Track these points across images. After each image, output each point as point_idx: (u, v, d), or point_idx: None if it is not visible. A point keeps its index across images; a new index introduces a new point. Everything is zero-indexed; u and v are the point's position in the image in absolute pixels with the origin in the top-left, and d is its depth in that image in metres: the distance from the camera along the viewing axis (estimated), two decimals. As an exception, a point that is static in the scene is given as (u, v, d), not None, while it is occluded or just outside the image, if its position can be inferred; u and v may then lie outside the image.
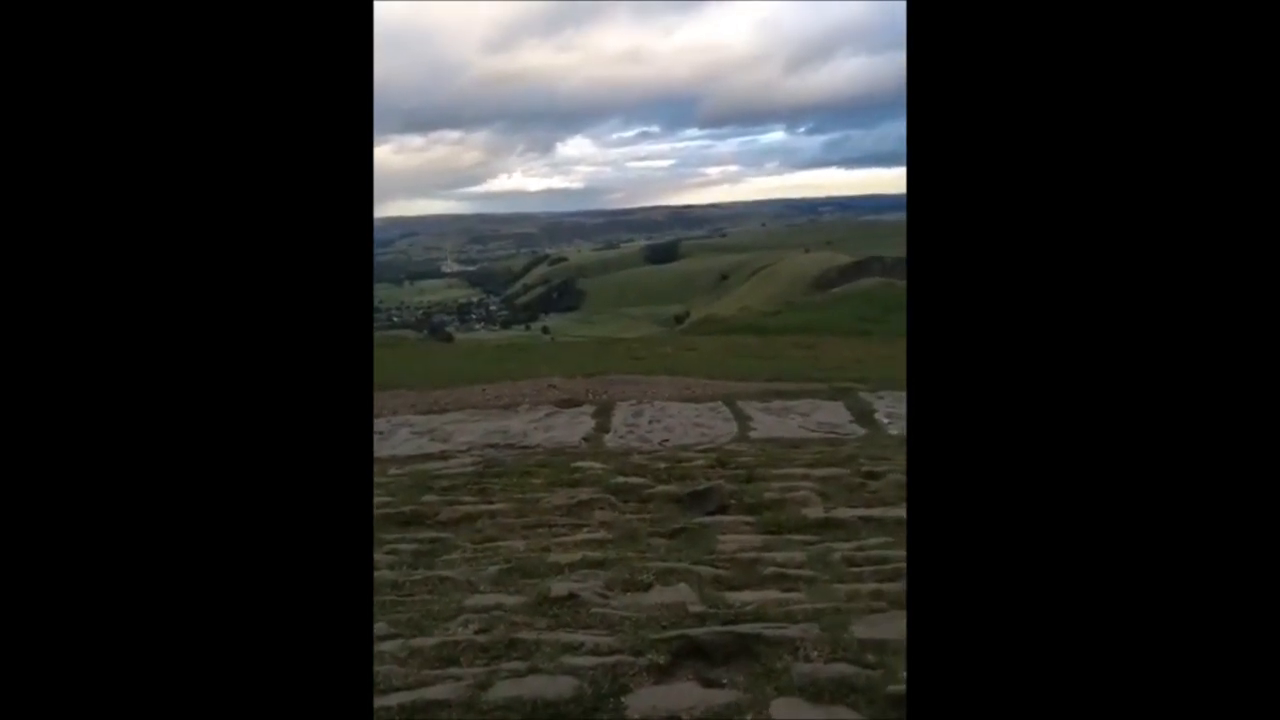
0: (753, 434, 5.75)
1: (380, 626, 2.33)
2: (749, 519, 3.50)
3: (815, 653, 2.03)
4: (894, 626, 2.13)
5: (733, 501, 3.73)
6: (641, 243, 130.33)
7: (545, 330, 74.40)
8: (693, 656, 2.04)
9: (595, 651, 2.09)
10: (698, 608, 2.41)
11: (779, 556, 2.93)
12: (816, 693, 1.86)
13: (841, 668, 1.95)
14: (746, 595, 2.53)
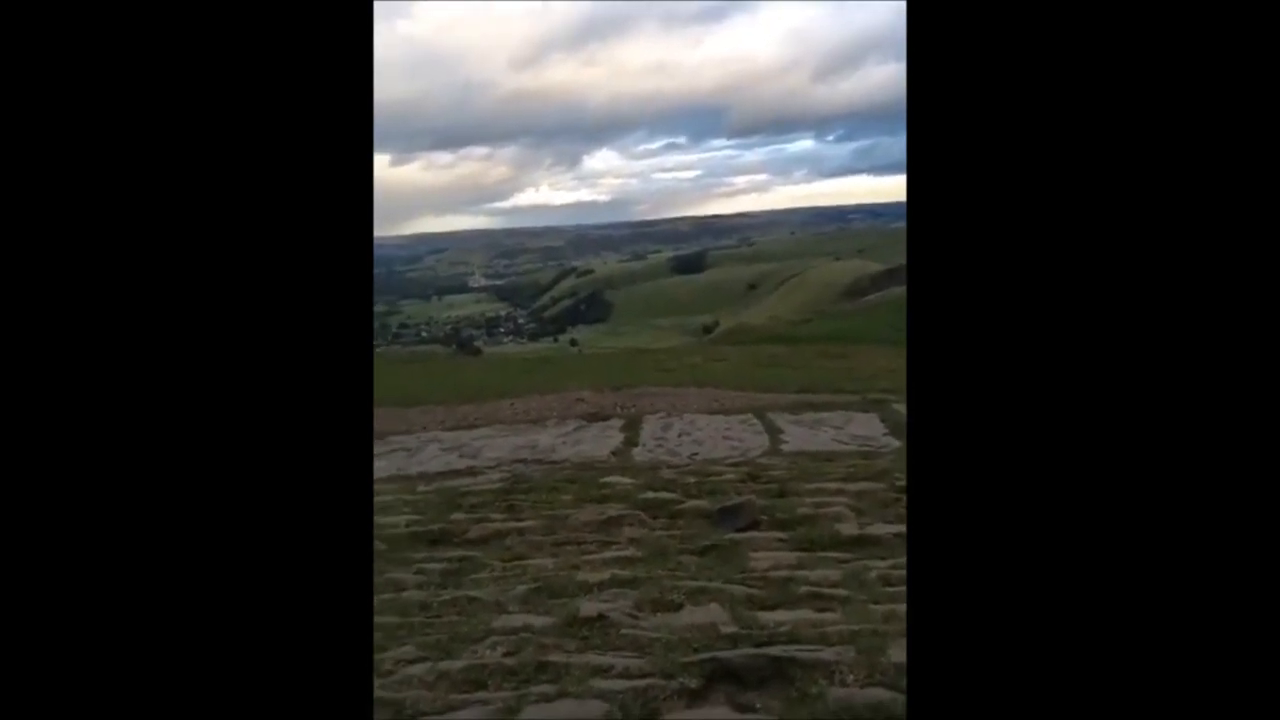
0: (784, 447, 5.68)
1: (408, 649, 2.32)
2: (781, 535, 3.45)
3: (851, 676, 1.97)
4: (933, 649, 2.06)
5: (764, 517, 3.67)
6: (669, 253, 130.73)
7: (573, 342, 74.73)
8: (725, 680, 1.99)
9: (625, 674, 2.05)
10: (730, 628, 2.36)
11: (813, 575, 2.88)
12: (852, 718, 1.80)
13: (878, 692, 1.90)
14: (780, 615, 2.48)
